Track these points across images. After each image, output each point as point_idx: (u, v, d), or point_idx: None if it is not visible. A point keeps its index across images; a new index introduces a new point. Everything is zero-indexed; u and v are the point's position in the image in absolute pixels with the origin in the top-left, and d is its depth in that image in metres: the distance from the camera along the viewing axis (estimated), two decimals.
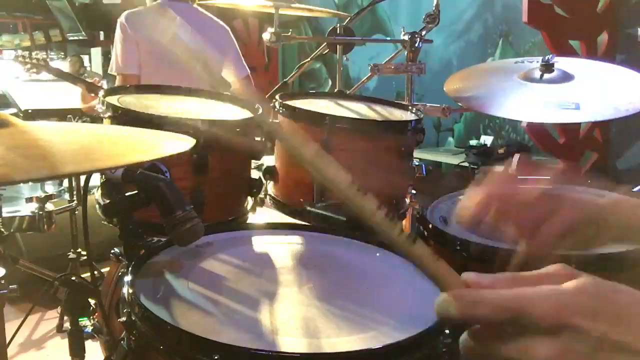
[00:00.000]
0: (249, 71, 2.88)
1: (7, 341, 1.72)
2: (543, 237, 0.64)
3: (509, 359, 0.47)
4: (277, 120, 1.40)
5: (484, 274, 0.50)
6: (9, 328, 1.64)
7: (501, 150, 3.54)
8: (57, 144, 0.77)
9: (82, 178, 1.25)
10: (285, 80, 2.12)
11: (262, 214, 1.47)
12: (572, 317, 0.44)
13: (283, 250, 1.08)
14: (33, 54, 3.23)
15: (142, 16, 2.63)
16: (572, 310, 0.45)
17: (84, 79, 2.94)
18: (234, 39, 2.84)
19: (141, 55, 2.57)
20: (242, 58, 2.86)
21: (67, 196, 3.29)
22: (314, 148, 0.49)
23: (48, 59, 3.28)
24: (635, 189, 1.31)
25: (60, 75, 3.11)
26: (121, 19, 2.60)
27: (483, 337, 0.48)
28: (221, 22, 2.81)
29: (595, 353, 0.44)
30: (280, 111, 1.43)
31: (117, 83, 2.61)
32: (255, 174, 1.45)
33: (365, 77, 2.00)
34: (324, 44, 1.98)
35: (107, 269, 1.42)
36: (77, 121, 3.17)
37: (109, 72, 2.69)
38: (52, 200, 2.46)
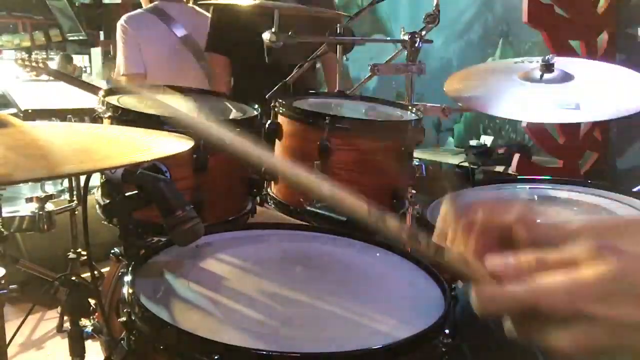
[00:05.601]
0: None
1: (7, 341, 1.72)
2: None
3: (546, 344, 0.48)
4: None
5: (508, 256, 0.51)
6: (9, 328, 1.64)
7: (501, 150, 3.54)
8: (57, 144, 0.77)
9: (82, 178, 1.25)
10: (285, 80, 2.11)
11: (262, 214, 1.46)
12: (585, 305, 0.46)
13: (283, 250, 1.08)
14: (33, 55, 3.23)
15: (141, 18, 2.64)
16: (586, 298, 0.46)
17: (84, 81, 2.94)
18: None
19: (143, 56, 2.58)
20: None
21: (67, 196, 3.29)
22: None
23: (48, 59, 3.28)
24: (635, 189, 1.31)
25: (60, 77, 3.11)
26: (121, 21, 2.61)
27: (521, 323, 0.50)
28: None
29: (615, 337, 0.45)
30: (280, 111, 1.43)
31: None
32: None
33: (365, 77, 2.00)
34: (324, 44, 1.97)
35: (107, 269, 1.42)
36: (77, 121, 3.17)
37: (115, 78, 2.70)
38: (52, 200, 2.46)
